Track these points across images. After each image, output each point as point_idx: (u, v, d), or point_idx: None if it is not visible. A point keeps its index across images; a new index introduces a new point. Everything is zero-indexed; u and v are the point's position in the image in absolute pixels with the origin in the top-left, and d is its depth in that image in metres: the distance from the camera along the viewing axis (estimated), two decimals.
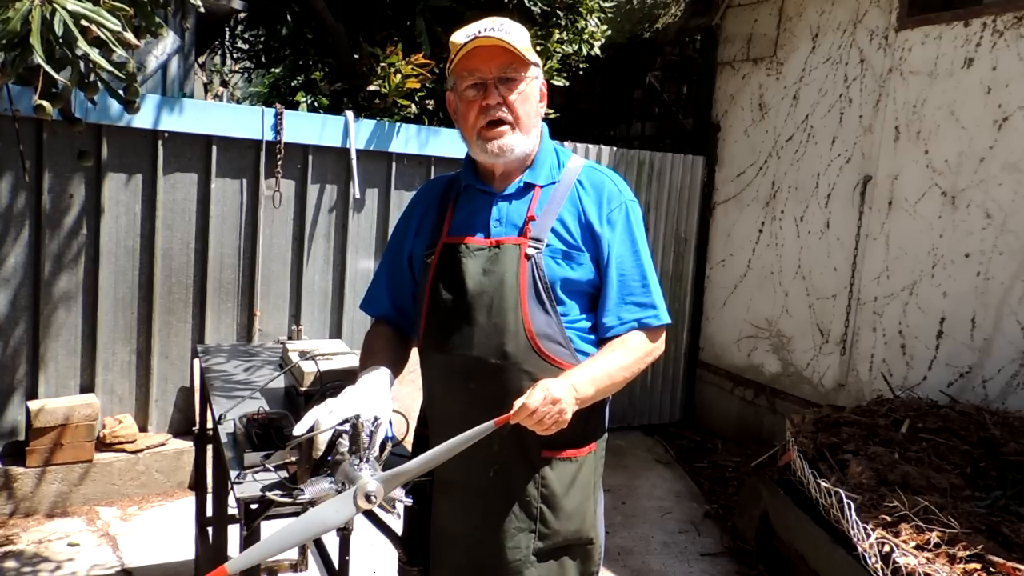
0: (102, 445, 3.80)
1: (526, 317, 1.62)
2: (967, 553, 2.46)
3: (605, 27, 5.31)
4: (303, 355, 2.20)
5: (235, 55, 6.58)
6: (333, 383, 2.00)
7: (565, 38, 5.10)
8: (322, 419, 1.53)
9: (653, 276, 1.73)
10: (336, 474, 1.45)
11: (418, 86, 4.47)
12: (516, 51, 1.61)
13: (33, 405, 3.60)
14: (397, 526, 1.82)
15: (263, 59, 5.90)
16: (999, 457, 3.09)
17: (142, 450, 3.87)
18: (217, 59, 9.61)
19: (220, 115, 4.01)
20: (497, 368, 1.62)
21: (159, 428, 4.05)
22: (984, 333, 3.80)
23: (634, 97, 7.07)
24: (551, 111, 4.87)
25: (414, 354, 1.84)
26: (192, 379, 4.05)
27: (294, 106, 4.51)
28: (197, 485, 2.95)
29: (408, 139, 4.44)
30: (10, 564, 3.18)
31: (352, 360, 2.16)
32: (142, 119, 3.74)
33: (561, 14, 5.00)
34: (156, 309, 3.94)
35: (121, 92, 2.06)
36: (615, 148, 5.20)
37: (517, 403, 1.47)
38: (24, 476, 3.58)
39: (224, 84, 11.73)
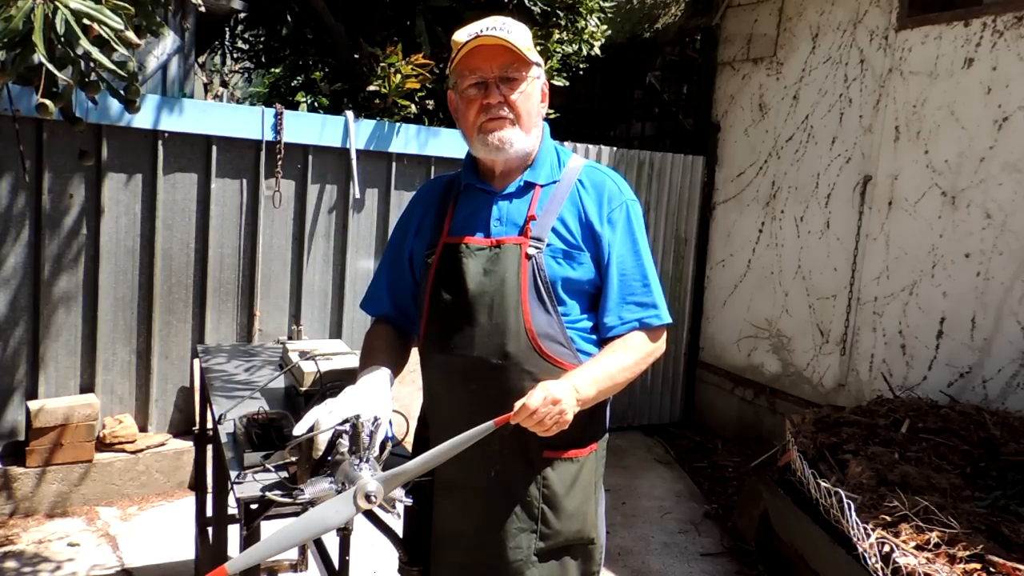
0: (102, 445, 3.80)
1: (527, 317, 1.61)
2: (967, 553, 2.46)
3: (605, 27, 5.31)
4: (303, 355, 2.19)
5: (235, 55, 6.57)
6: (333, 383, 1.99)
7: (565, 38, 5.10)
8: (322, 419, 1.53)
9: (654, 276, 1.72)
10: (336, 474, 1.45)
11: (418, 86, 4.46)
12: (518, 50, 1.61)
13: (33, 405, 3.60)
14: (397, 526, 1.82)
15: (263, 59, 5.90)
16: (999, 457, 3.09)
17: (142, 450, 3.87)
18: (217, 59, 9.61)
19: (220, 115, 4.00)
20: (498, 368, 1.62)
21: (159, 428, 4.05)
22: (984, 333, 3.80)
23: (634, 97, 7.07)
24: (551, 111, 4.87)
25: (414, 354, 1.84)
26: (192, 379, 4.05)
27: (294, 106, 4.50)
28: (197, 485, 2.95)
29: (408, 139, 4.44)
30: (10, 564, 3.18)
31: (352, 360, 2.15)
32: (142, 119, 3.73)
33: (561, 14, 5.00)
34: (156, 309, 3.94)
35: (122, 92, 2.06)
36: (615, 148, 5.20)
37: (518, 404, 1.47)
38: (24, 476, 3.58)
39: (224, 84, 11.73)
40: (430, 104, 4.75)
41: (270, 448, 1.72)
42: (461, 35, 1.64)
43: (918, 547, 2.51)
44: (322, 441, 1.51)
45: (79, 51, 1.74)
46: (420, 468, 1.41)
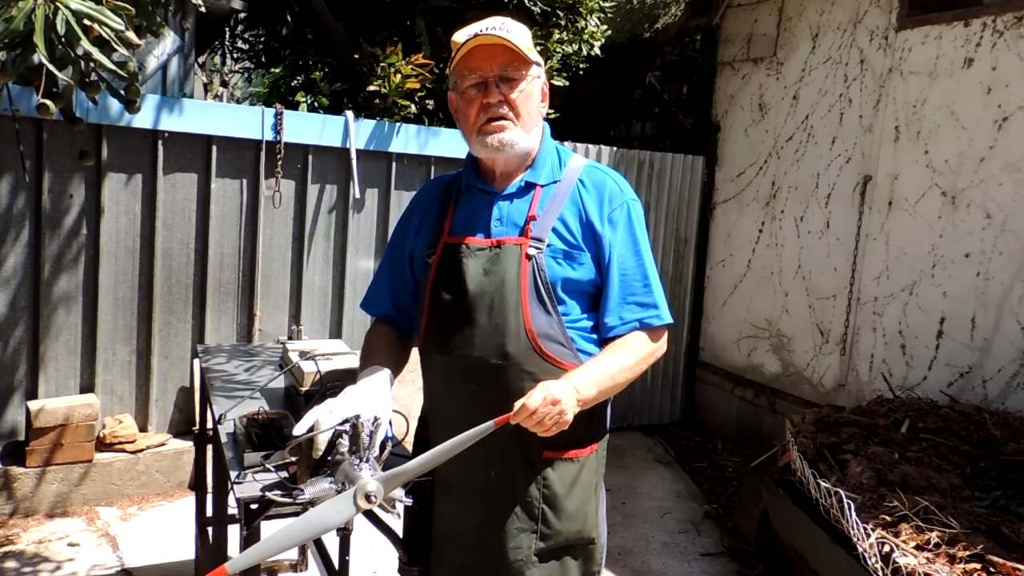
0: (102, 445, 3.80)
1: (527, 317, 1.61)
2: (967, 553, 2.46)
3: (605, 27, 5.31)
4: (303, 355, 2.19)
5: (235, 55, 6.58)
6: (333, 383, 1.99)
7: (565, 38, 5.10)
8: (322, 419, 1.53)
9: (655, 276, 1.72)
10: (336, 474, 1.45)
11: (418, 86, 4.46)
12: (517, 50, 1.61)
13: (33, 405, 3.60)
14: (397, 526, 1.82)
15: (263, 59, 5.90)
16: (999, 457, 3.09)
17: (142, 450, 3.87)
18: (217, 59, 9.61)
19: (220, 115, 4.00)
20: (498, 368, 1.62)
21: (159, 428, 4.05)
22: (984, 333, 3.80)
23: (634, 97, 7.07)
24: (551, 111, 4.88)
25: (414, 354, 1.84)
26: (192, 379, 4.05)
27: (294, 106, 4.51)
28: (197, 485, 2.95)
29: (408, 139, 4.44)
30: (10, 564, 3.18)
31: (352, 360, 2.15)
32: (142, 119, 3.73)
33: (561, 14, 5.00)
34: (156, 309, 3.94)
35: (122, 92, 2.06)
36: (615, 148, 5.20)
37: (517, 404, 1.47)
38: (24, 476, 3.58)
39: (224, 84, 11.74)
40: (430, 104, 4.75)
41: (270, 448, 1.72)
42: (461, 35, 1.64)
43: (918, 547, 2.51)
44: (322, 441, 1.51)
45: (79, 51, 1.74)
46: (420, 468, 1.41)
